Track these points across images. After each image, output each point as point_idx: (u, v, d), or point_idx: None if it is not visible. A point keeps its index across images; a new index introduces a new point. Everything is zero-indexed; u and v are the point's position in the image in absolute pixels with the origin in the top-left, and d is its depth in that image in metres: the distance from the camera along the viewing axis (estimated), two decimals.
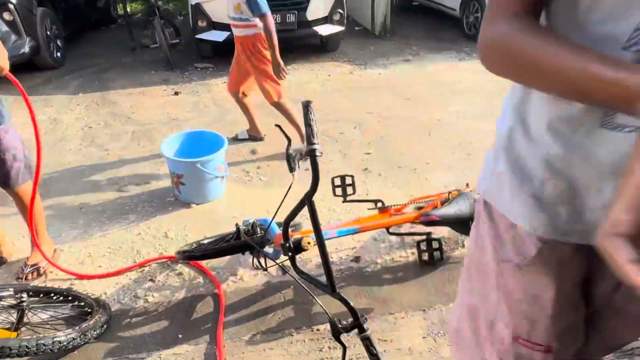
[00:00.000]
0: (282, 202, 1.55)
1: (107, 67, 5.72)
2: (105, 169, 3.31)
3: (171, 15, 7.44)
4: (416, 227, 2.38)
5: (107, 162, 3.42)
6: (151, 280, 2.25)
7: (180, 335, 1.87)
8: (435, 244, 2.27)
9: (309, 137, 1.43)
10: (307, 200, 1.47)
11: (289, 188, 1.49)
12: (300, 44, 6.50)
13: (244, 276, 2.24)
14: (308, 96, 4.66)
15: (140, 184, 3.10)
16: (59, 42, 5.72)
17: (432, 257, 2.26)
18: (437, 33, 6.99)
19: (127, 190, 3.03)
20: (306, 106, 1.46)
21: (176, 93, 4.84)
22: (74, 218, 2.74)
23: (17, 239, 2.52)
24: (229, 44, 5.65)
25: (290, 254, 1.59)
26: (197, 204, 2.84)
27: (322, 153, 1.43)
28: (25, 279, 2.19)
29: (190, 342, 1.82)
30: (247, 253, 2.00)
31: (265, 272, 1.89)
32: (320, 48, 6.18)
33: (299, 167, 1.47)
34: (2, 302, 1.81)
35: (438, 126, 3.94)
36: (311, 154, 1.42)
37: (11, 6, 4.80)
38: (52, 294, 2.03)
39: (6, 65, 1.72)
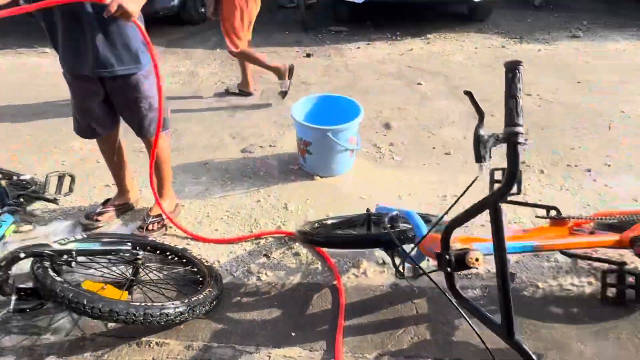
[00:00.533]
0: (458, 200, 1.13)
1: None
2: (232, 126, 3.20)
3: None
4: (598, 249, 1.80)
5: (234, 119, 3.31)
6: (266, 255, 2.03)
7: (293, 334, 1.60)
8: (630, 279, 1.67)
9: (511, 115, 0.98)
10: (493, 205, 1.03)
11: (472, 183, 1.06)
12: (444, 11, 5.83)
13: (368, 271, 1.90)
14: (451, 69, 4.08)
15: (264, 147, 2.91)
16: None
17: (622, 296, 1.67)
18: (612, 6, 5.73)
19: (252, 151, 2.86)
20: (512, 69, 1.00)
21: (308, 55, 4.60)
22: (198, 174, 2.65)
23: (145, 186, 2.48)
24: (367, 7, 5.34)
25: (448, 269, 1.18)
26: (321, 177, 2.56)
27: (527, 140, 0.97)
28: (147, 229, 2.12)
29: (305, 346, 1.54)
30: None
31: (401, 277, 1.52)
32: (467, 17, 5.45)
33: (490, 156, 1.03)
34: (119, 255, 1.71)
35: (621, 119, 3.11)
36: (511, 140, 0.98)
37: None
38: (168, 253, 1.92)
39: (135, 11, 1.54)
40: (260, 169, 2.68)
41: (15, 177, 2.43)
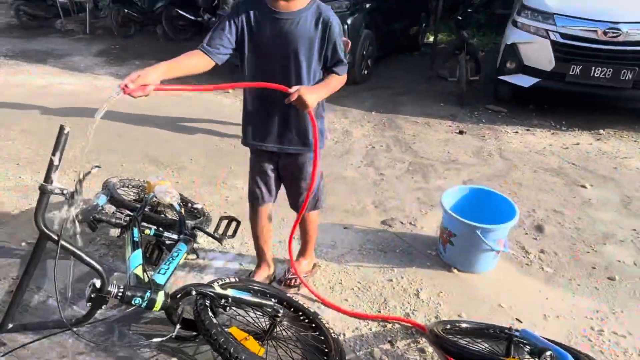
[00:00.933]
0: None
1: (402, 91, 5.93)
2: (376, 194, 3.31)
3: (475, 50, 7.22)
4: None
5: (379, 187, 3.41)
6: (390, 342, 2.01)
7: None
8: None
9: None
10: None
11: None
12: (623, 105, 5.29)
13: None
14: (625, 175, 3.65)
15: (405, 223, 2.94)
16: (369, 62, 6.26)
17: None
18: None
19: (392, 224, 2.91)
20: None
21: (461, 132, 4.56)
22: (337, 238, 2.77)
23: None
24: (532, 90, 5.12)
25: None
26: (459, 270, 2.47)
27: None
28: (285, 284, 2.28)
29: None
30: None
31: None
32: None
33: None
34: (263, 309, 1.87)
35: None
36: None
37: (345, 27, 5.44)
38: (301, 314, 2.03)
39: (312, 104, 1.68)
40: (397, 246, 2.70)
41: (189, 205, 2.86)
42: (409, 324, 2.10)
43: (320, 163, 2.00)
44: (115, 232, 2.68)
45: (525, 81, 4.87)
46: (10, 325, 1.42)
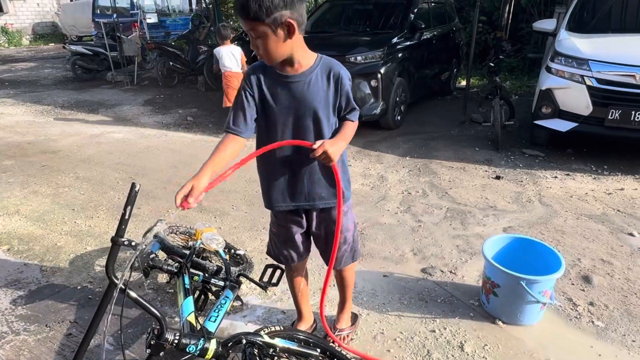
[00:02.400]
0: None
1: (435, 135, 6.00)
2: (414, 241, 3.31)
3: (508, 95, 7.28)
4: None
5: (417, 233, 3.42)
6: None
7: None
8: None
9: None
10: None
11: None
12: None
13: None
14: None
15: (445, 272, 2.92)
16: (402, 107, 6.41)
17: None
18: None
19: (432, 273, 2.90)
20: None
21: (498, 177, 4.55)
22: (377, 286, 2.78)
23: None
24: (570, 135, 5.08)
25: None
26: (503, 323, 2.42)
27: None
28: (332, 341, 2.29)
29: None
30: None
31: None
32: None
33: None
34: (307, 359, 1.89)
35: None
36: None
37: (379, 75, 5.65)
38: None
39: (335, 157, 1.68)
40: (438, 296, 2.68)
41: (233, 251, 2.96)
42: None
43: (353, 213, 2.06)
44: (163, 277, 2.80)
45: (562, 126, 4.85)
46: None
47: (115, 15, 10.68)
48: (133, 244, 1.48)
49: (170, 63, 9.31)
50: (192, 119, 7.04)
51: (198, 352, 1.67)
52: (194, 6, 12.97)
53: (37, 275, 2.87)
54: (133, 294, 1.51)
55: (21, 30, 18.94)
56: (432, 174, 4.66)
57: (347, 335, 2.33)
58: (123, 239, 1.47)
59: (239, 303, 2.50)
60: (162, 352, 1.57)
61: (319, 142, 1.67)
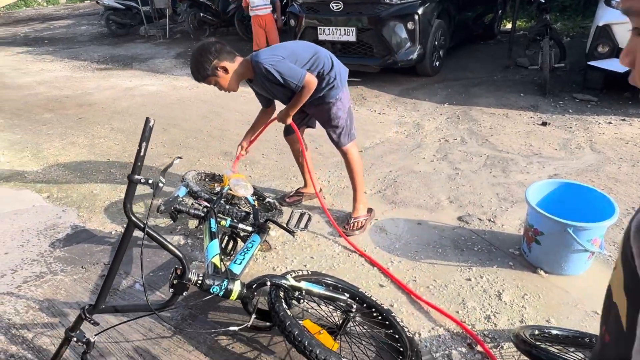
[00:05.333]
0: None
1: (476, 82, 5.63)
2: (451, 189, 3.15)
3: (559, 35, 6.66)
4: None
5: (454, 181, 3.25)
6: (470, 345, 1.89)
7: None
8: None
9: None
10: None
11: None
12: None
13: None
14: None
15: (483, 220, 2.76)
16: (441, 52, 6.01)
17: None
18: None
19: (469, 221, 2.75)
20: None
21: (544, 123, 4.22)
22: (410, 232, 2.68)
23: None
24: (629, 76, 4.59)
25: None
26: (546, 272, 2.27)
27: None
28: (351, 228, 2.64)
29: None
30: None
31: None
32: None
33: None
34: (335, 303, 1.84)
35: None
36: None
37: (416, 17, 5.27)
38: (374, 310, 1.97)
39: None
40: (475, 244, 2.55)
41: (262, 198, 2.91)
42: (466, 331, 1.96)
43: (342, 102, 2.49)
44: (193, 223, 2.80)
45: (620, 66, 4.38)
46: (102, 307, 1.51)
47: None
48: (150, 181, 1.42)
49: (201, 14, 9.12)
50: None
51: (222, 292, 1.65)
52: None
53: (74, 221, 2.95)
54: (152, 233, 1.47)
55: None
56: (471, 121, 4.39)
57: (362, 223, 2.68)
58: (139, 177, 1.41)
59: (267, 248, 2.46)
60: (186, 292, 1.55)
61: (275, 114, 2.63)
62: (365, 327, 1.92)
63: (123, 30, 10.59)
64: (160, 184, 1.44)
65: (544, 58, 5.08)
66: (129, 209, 1.43)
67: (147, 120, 1.40)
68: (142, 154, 1.40)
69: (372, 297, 2.05)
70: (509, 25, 8.38)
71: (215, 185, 2.84)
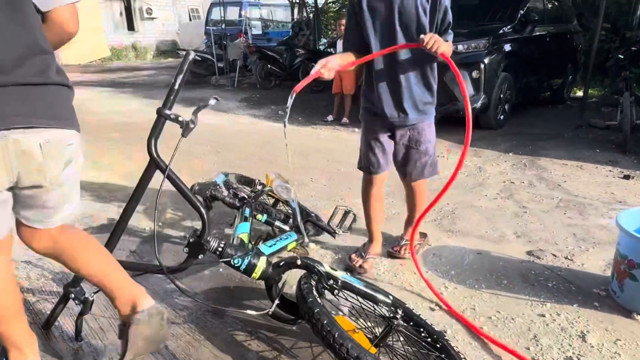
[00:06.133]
0: None
1: (544, 137, 5.27)
2: (518, 224, 2.77)
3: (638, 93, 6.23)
4: None
5: (521, 218, 2.86)
6: None
7: None
8: None
9: None
10: None
11: None
12: None
13: None
14: None
15: (558, 257, 2.35)
16: (506, 107, 5.77)
17: None
18: None
19: (540, 257, 2.35)
20: None
21: (626, 177, 3.76)
22: (468, 260, 2.32)
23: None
24: None
25: None
26: None
27: None
28: (399, 251, 2.27)
29: None
30: None
31: None
32: None
33: None
34: (377, 307, 1.53)
35: None
36: None
37: (482, 66, 5.14)
38: (422, 330, 1.62)
39: (447, 52, 1.86)
40: (549, 280, 2.13)
41: (306, 212, 2.69)
42: None
43: (433, 129, 2.16)
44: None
45: None
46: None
47: (224, 26, 11.42)
48: (180, 118, 1.28)
49: (269, 66, 9.61)
50: (283, 113, 7.07)
51: (244, 266, 1.41)
52: (295, 16, 13.47)
53: (113, 215, 2.88)
54: (174, 177, 1.30)
55: (147, 47, 21.31)
56: (540, 169, 4.01)
57: (416, 246, 2.27)
58: (169, 112, 1.27)
59: (304, 253, 2.20)
60: (202, 256, 1.32)
61: (427, 35, 1.77)
62: (410, 345, 1.56)
63: (196, 79, 11.38)
64: (192, 125, 1.29)
65: (624, 114, 4.68)
66: (152, 146, 1.28)
67: (188, 53, 1.28)
68: (176, 87, 1.27)
69: (421, 315, 1.70)
70: (579, 93, 8.04)
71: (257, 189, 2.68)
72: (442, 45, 1.76)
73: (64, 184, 1.15)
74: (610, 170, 3.97)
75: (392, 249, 2.33)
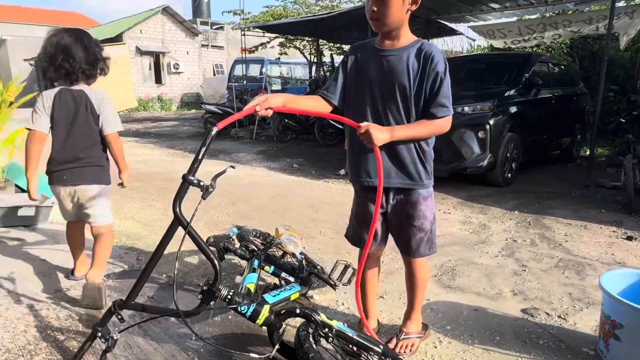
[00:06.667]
0: None
1: (551, 195, 5.39)
2: (516, 282, 2.87)
3: None
4: None
5: (519, 276, 2.97)
6: None
7: None
8: None
9: None
10: None
11: None
12: None
13: None
14: None
15: (551, 315, 2.44)
16: (513, 165, 5.95)
17: None
18: None
19: (534, 315, 2.44)
20: None
21: (629, 237, 3.83)
22: (464, 316, 2.42)
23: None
24: None
25: None
26: None
27: None
28: (396, 346, 2.02)
29: None
30: None
31: None
32: None
33: None
34: (368, 353, 1.66)
35: None
36: None
37: (487, 127, 5.39)
38: None
39: (379, 142, 1.68)
40: (541, 337, 2.22)
41: (311, 264, 2.86)
42: None
43: (433, 202, 1.93)
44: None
45: None
46: (132, 302, 1.51)
47: (245, 82, 12.13)
48: (202, 183, 1.51)
49: (286, 120, 10.09)
50: (298, 166, 7.38)
51: (249, 313, 1.58)
52: (313, 74, 14.21)
53: (132, 261, 3.10)
54: (194, 233, 1.51)
55: (172, 99, 22.47)
56: (544, 228, 4.12)
57: (414, 343, 2.04)
58: (193, 178, 1.51)
59: (307, 304, 2.35)
60: (213, 302, 1.51)
61: (365, 124, 1.66)
62: None
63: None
64: (211, 189, 1.52)
65: (627, 176, 4.82)
66: (177, 206, 1.50)
67: (210, 130, 1.54)
68: (199, 157, 1.52)
69: None
70: (589, 152, 8.19)
71: (267, 242, 2.87)
72: (377, 139, 1.63)
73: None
74: (614, 231, 4.05)
75: (388, 342, 2.06)
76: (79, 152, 2.42)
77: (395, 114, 1.78)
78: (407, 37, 1.78)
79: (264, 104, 1.60)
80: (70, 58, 2.29)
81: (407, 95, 1.75)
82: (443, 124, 1.76)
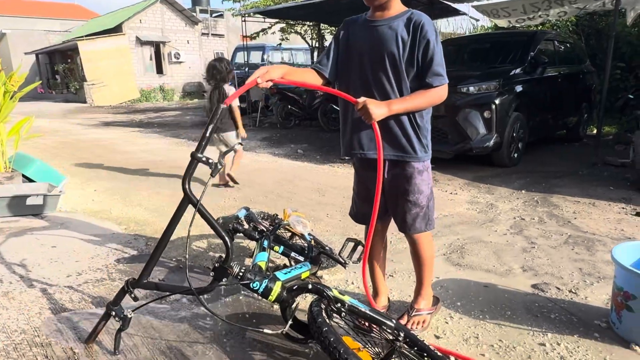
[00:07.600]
0: None
1: (559, 174, 5.35)
2: (525, 259, 2.86)
3: None
4: None
5: (529, 253, 2.96)
6: None
7: None
8: None
9: None
10: None
11: None
12: None
13: None
14: None
15: (562, 290, 2.44)
16: (519, 145, 5.90)
17: None
18: None
19: (545, 290, 2.44)
20: None
21: (638, 214, 3.81)
22: (475, 293, 2.42)
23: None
24: None
25: None
26: None
27: None
28: (408, 322, 2.03)
29: None
30: None
31: None
32: None
33: None
34: (380, 327, 1.67)
35: None
36: None
37: (493, 106, 5.33)
38: (425, 354, 1.74)
39: (377, 117, 1.67)
40: (551, 311, 2.22)
41: (320, 245, 2.86)
42: None
43: (430, 176, 1.92)
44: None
45: None
46: (145, 281, 1.52)
47: (247, 69, 12.05)
48: (210, 161, 1.50)
49: (289, 106, 10.04)
50: (302, 152, 7.36)
51: (262, 289, 1.59)
52: (315, 59, 14.11)
53: (142, 246, 3.11)
54: (204, 211, 1.51)
55: (174, 89, 22.38)
56: (552, 206, 4.10)
57: (425, 319, 2.06)
58: (201, 155, 1.50)
59: (316, 278, 2.36)
60: (225, 279, 1.51)
61: (362, 99, 1.65)
62: None
63: None
64: (219, 166, 1.51)
65: (636, 152, 4.77)
66: (186, 183, 1.50)
67: (218, 107, 1.52)
68: (207, 134, 1.51)
69: (424, 341, 1.82)
70: (596, 131, 8.11)
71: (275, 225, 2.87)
72: (375, 114, 1.62)
73: None
74: (622, 208, 4.02)
75: (400, 318, 2.07)
76: None
77: (385, 83, 1.76)
78: (397, 7, 1.79)
79: (265, 76, 1.61)
80: (215, 70, 4.46)
81: (397, 64, 1.74)
82: (440, 93, 1.75)
